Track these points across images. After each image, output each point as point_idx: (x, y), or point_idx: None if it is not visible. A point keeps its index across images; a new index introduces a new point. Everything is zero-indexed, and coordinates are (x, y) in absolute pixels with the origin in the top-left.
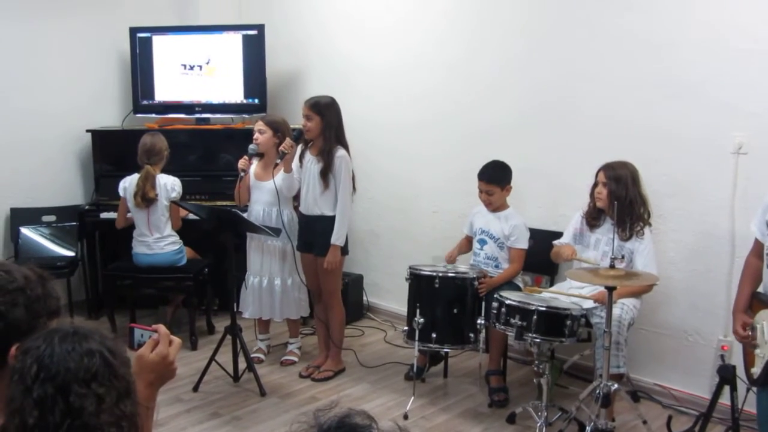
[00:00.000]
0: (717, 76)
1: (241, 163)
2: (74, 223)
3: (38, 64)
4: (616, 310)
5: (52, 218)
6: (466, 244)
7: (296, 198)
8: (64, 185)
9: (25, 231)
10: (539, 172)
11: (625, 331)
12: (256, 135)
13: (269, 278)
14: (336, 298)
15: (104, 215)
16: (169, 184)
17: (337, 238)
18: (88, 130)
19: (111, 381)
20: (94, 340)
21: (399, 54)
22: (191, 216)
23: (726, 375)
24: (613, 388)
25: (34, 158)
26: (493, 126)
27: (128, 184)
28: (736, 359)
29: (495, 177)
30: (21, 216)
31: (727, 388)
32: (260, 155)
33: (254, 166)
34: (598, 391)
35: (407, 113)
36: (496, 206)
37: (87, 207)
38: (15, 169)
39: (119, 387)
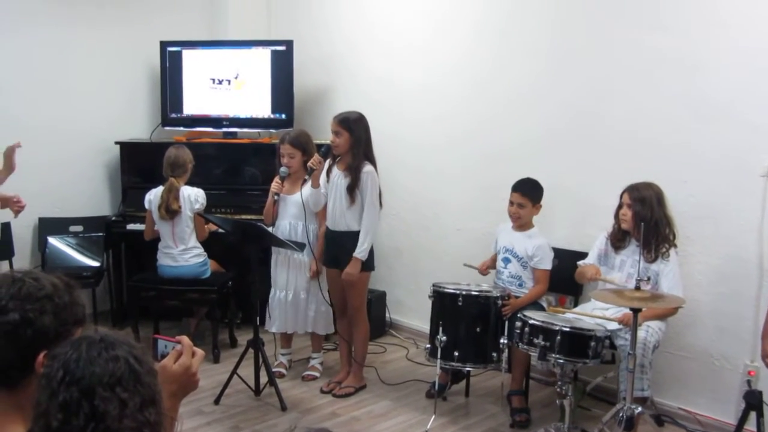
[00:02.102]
0: (747, 98)
1: (275, 186)
2: (101, 234)
3: (70, 76)
4: (641, 333)
5: (79, 228)
6: (494, 262)
7: None
8: (92, 196)
9: (53, 240)
10: (564, 191)
11: (650, 353)
12: (287, 159)
13: (295, 292)
14: (362, 313)
15: (131, 226)
16: (192, 196)
17: (359, 252)
18: (116, 142)
19: (135, 387)
20: (121, 347)
21: (425, 71)
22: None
23: (752, 401)
24: (636, 411)
25: (63, 169)
26: (518, 144)
27: (153, 196)
28: (763, 385)
29: (529, 191)
30: (49, 226)
31: (753, 414)
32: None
33: None
34: (621, 414)
35: (433, 130)
36: (522, 223)
37: (114, 218)
38: (44, 179)
39: (144, 394)
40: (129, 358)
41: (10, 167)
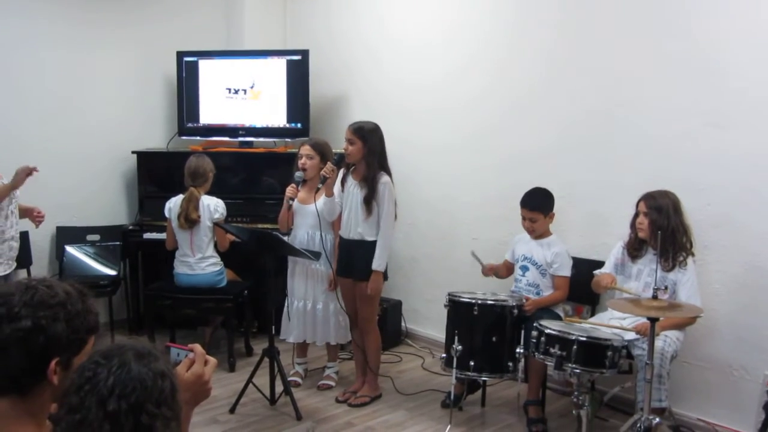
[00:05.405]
0: (763, 104)
1: (290, 191)
2: (118, 243)
3: (88, 86)
4: (658, 342)
5: (96, 237)
6: (505, 268)
7: None
8: (109, 205)
9: (70, 249)
10: (580, 199)
11: (667, 363)
12: (304, 160)
13: (312, 302)
14: (372, 324)
15: (147, 235)
16: (212, 206)
17: (378, 264)
18: (133, 152)
19: (172, 405)
20: (163, 363)
21: (439, 89)
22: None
23: None
24: (654, 422)
25: (81, 178)
26: (532, 153)
27: (173, 204)
28: None
29: (538, 204)
30: (66, 234)
31: None
32: (305, 180)
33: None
34: (639, 425)
35: (449, 139)
36: (538, 234)
37: (130, 227)
38: (62, 188)
39: (177, 410)
40: (171, 375)
41: (15, 184)
